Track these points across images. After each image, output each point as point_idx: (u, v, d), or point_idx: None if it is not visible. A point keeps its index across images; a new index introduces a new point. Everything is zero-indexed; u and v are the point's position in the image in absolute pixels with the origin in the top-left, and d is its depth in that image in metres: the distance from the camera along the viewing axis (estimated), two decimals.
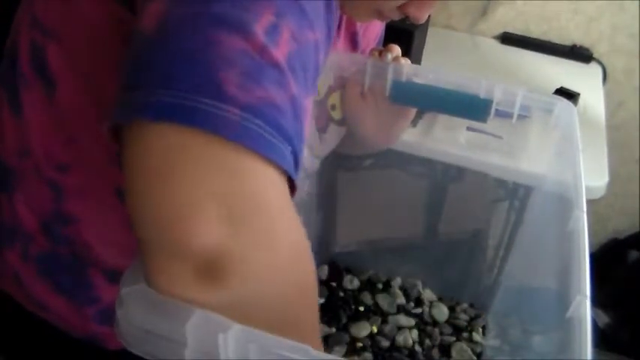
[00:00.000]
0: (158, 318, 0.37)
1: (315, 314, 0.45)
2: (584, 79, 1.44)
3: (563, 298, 0.51)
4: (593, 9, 1.48)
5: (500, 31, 1.57)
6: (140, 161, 0.38)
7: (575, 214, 0.58)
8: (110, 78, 0.53)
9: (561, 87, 1.31)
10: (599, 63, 1.52)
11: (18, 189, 0.62)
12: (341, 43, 0.71)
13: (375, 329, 0.95)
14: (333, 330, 0.94)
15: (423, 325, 0.97)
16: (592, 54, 1.51)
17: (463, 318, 0.99)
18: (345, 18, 0.68)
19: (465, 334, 0.96)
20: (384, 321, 0.97)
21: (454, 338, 0.96)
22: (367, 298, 1.00)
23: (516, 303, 0.86)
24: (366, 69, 0.70)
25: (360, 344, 0.93)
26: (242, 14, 0.40)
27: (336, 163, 1.00)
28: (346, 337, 0.93)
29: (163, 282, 0.37)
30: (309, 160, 0.77)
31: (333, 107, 0.75)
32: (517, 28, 1.56)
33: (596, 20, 1.49)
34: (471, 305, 1.02)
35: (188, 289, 0.37)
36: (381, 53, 0.71)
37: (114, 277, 0.63)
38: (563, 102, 0.71)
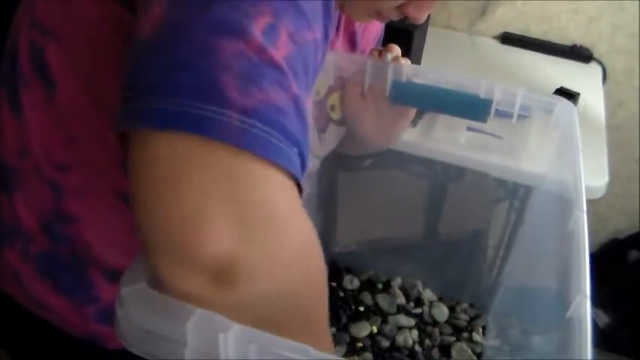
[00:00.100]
0: (158, 318, 0.37)
1: (325, 309, 0.45)
2: (584, 79, 1.44)
3: (563, 298, 0.51)
4: (593, 9, 1.48)
5: (500, 31, 1.57)
6: (147, 170, 0.38)
7: (575, 214, 0.58)
8: (110, 78, 0.53)
9: (561, 87, 1.31)
10: (599, 63, 1.52)
11: (18, 189, 0.62)
12: (340, 43, 0.71)
13: (375, 329, 0.95)
14: (333, 330, 0.94)
15: (423, 325, 0.97)
16: (592, 54, 1.51)
17: (463, 318, 0.99)
18: (343, 18, 0.68)
19: (465, 334, 0.96)
20: (384, 321, 0.97)
21: (454, 338, 0.96)
22: (367, 298, 1.00)
23: (516, 303, 0.86)
24: (365, 69, 0.70)
25: (360, 344, 0.93)
26: (240, 18, 0.40)
27: (336, 163, 1.00)
28: (346, 337, 0.93)
29: (176, 289, 0.38)
30: (310, 161, 0.76)
31: (333, 108, 0.75)
32: (517, 28, 1.56)
33: (596, 20, 1.49)
34: (471, 305, 1.02)
35: (201, 295, 0.37)
36: (380, 53, 0.71)
37: (114, 276, 0.63)
38: (563, 102, 0.71)
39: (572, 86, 1.31)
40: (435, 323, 0.98)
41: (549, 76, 1.39)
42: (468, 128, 1.07)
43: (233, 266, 0.37)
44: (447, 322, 0.99)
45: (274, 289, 0.39)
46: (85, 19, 0.52)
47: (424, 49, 1.28)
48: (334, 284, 1.02)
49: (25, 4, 0.58)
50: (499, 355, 0.90)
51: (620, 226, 1.75)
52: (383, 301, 0.99)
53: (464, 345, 0.94)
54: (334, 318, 0.96)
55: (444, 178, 1.15)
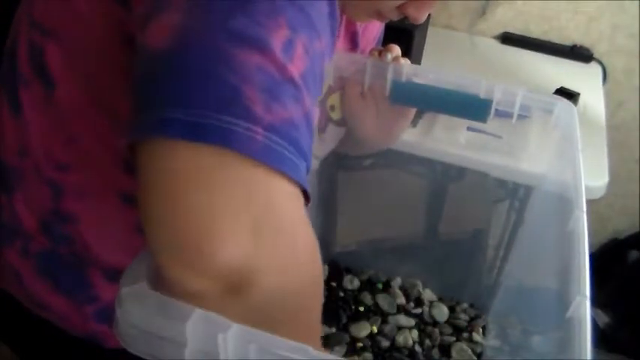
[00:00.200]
0: (158, 318, 0.37)
1: (320, 305, 0.47)
2: (584, 79, 1.43)
3: (563, 298, 0.51)
4: (593, 9, 1.48)
5: (500, 31, 1.57)
6: (165, 178, 0.39)
7: (575, 214, 0.58)
8: (110, 78, 0.53)
9: (561, 87, 1.31)
10: (599, 63, 1.51)
11: (18, 189, 0.62)
12: (340, 43, 0.71)
13: (375, 329, 0.95)
14: (333, 330, 0.94)
15: (423, 325, 0.97)
16: (592, 54, 1.51)
17: (463, 318, 0.99)
18: (344, 18, 0.68)
19: (465, 334, 0.96)
20: (384, 321, 0.96)
21: (454, 338, 0.95)
22: (367, 298, 1.00)
23: (516, 303, 0.86)
24: (365, 69, 0.70)
25: (360, 344, 0.93)
26: (259, 30, 0.40)
27: (336, 163, 1.00)
28: (346, 337, 0.93)
29: (186, 293, 0.38)
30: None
31: (332, 108, 0.75)
32: (517, 28, 1.55)
33: (596, 20, 1.49)
34: (471, 305, 1.02)
35: (211, 300, 0.38)
36: (380, 53, 0.71)
37: (113, 276, 0.63)
38: (563, 102, 0.71)
39: (572, 86, 1.31)
40: (435, 323, 0.98)
41: (549, 76, 1.39)
42: (468, 128, 1.07)
43: (244, 274, 0.38)
44: (447, 322, 0.99)
45: (281, 293, 0.40)
46: (85, 19, 0.52)
47: (424, 49, 1.28)
48: (334, 284, 1.02)
49: (25, 4, 0.58)
50: (499, 355, 0.90)
51: (620, 226, 1.75)
52: (383, 301, 0.99)
53: (464, 345, 0.94)
54: (334, 318, 0.96)
55: (444, 178, 1.15)
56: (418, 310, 0.99)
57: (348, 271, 1.05)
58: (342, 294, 1.01)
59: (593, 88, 1.41)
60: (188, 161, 0.38)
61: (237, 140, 0.38)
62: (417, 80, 0.70)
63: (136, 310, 0.38)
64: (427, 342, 0.94)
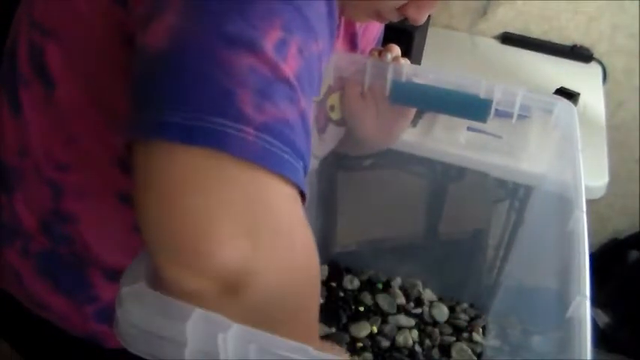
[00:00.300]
0: (158, 318, 0.37)
1: (317, 304, 0.47)
2: (584, 79, 1.43)
3: (563, 298, 0.51)
4: (593, 9, 1.48)
5: (500, 31, 1.57)
6: (160, 179, 0.39)
7: (575, 214, 0.58)
8: (110, 78, 0.53)
9: (561, 87, 1.31)
10: (599, 63, 1.51)
11: (18, 188, 0.62)
12: (340, 43, 0.71)
13: (375, 329, 0.95)
14: (333, 330, 0.94)
15: (423, 325, 0.97)
16: (592, 54, 1.51)
17: (463, 318, 0.99)
18: (344, 18, 0.68)
19: (465, 334, 0.96)
20: (384, 321, 0.96)
21: (454, 338, 0.95)
22: (367, 298, 1.00)
23: (516, 303, 0.86)
24: (365, 69, 0.70)
25: (360, 344, 0.93)
26: (252, 31, 0.40)
27: (336, 163, 1.00)
28: (346, 337, 0.93)
29: (183, 293, 0.38)
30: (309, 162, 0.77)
31: (332, 108, 0.75)
32: (517, 28, 1.55)
33: (596, 20, 1.49)
34: (471, 305, 1.02)
35: (209, 301, 0.38)
36: (380, 53, 0.71)
37: (113, 276, 0.63)
38: (563, 102, 0.71)
39: (572, 86, 1.31)
40: (435, 323, 0.98)
41: (549, 76, 1.39)
42: (468, 128, 1.07)
43: (242, 275, 0.38)
44: (447, 322, 0.98)
45: (278, 293, 0.40)
46: (85, 19, 0.52)
47: (424, 49, 1.28)
48: (334, 284, 1.02)
49: (24, 4, 0.58)
50: (499, 355, 0.90)
51: (620, 226, 1.75)
52: (383, 301, 0.99)
53: (464, 345, 0.94)
54: (334, 318, 0.96)
55: (444, 178, 1.15)
56: (418, 310, 0.99)
57: (348, 271, 1.05)
58: (342, 294, 1.01)
59: (593, 88, 1.41)
60: (184, 164, 0.39)
61: (230, 142, 0.38)
62: (417, 80, 0.70)
63: (136, 309, 0.38)
64: (427, 342, 0.94)
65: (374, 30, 0.79)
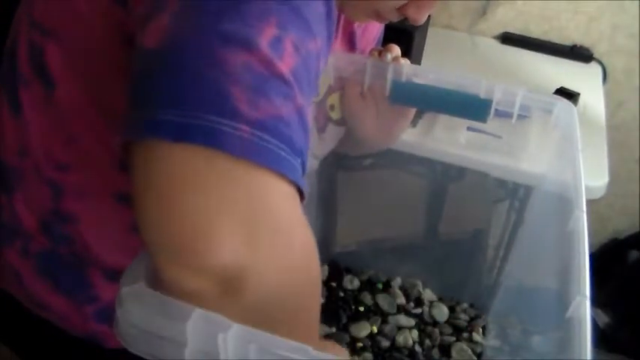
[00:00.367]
0: (158, 318, 0.37)
1: (318, 304, 0.47)
2: (584, 79, 1.44)
3: (563, 298, 0.51)
4: (593, 9, 1.48)
5: (500, 31, 1.57)
6: (156, 179, 0.39)
7: (575, 214, 0.58)
8: (110, 78, 0.53)
9: (561, 87, 1.31)
10: (599, 63, 1.51)
11: (18, 188, 0.62)
12: (338, 43, 0.71)
13: (375, 329, 0.95)
14: (333, 330, 0.94)
15: (423, 325, 0.97)
16: (592, 54, 1.51)
17: (463, 318, 0.99)
18: (342, 18, 0.68)
19: (465, 334, 0.96)
20: (384, 321, 0.96)
21: (454, 338, 0.95)
22: (367, 298, 1.00)
23: (516, 303, 0.86)
24: (365, 69, 0.70)
25: (360, 344, 0.93)
26: (247, 29, 0.40)
27: (336, 163, 1.00)
28: (346, 337, 0.93)
29: (182, 292, 0.38)
30: (309, 161, 0.77)
31: (332, 108, 0.75)
32: (517, 28, 1.55)
33: (596, 20, 1.49)
34: (471, 305, 1.02)
35: (207, 300, 0.38)
36: (380, 53, 0.71)
37: (113, 276, 0.63)
38: (563, 102, 0.71)
39: (572, 86, 1.31)
40: (435, 323, 0.98)
41: (549, 76, 1.39)
42: (468, 128, 1.07)
43: (241, 274, 0.38)
44: (447, 322, 0.99)
45: (278, 292, 0.40)
46: (85, 19, 0.52)
47: (424, 49, 1.28)
48: (334, 284, 1.02)
49: (24, 4, 0.58)
50: (499, 355, 0.90)
51: (620, 226, 1.75)
52: (383, 301, 0.99)
53: (464, 345, 0.94)
54: (334, 318, 0.96)
55: (444, 178, 1.15)
56: (418, 310, 0.99)
57: (348, 271, 1.05)
58: (342, 294, 1.01)
59: (593, 88, 1.41)
60: (181, 163, 0.38)
61: (226, 140, 0.38)
62: (417, 80, 0.70)
63: (136, 309, 0.38)
64: (427, 342, 0.94)
65: (373, 30, 0.79)
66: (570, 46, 1.52)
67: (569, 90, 1.29)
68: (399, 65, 0.70)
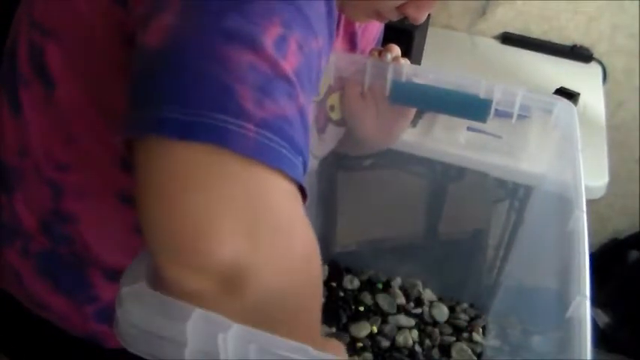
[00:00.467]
0: (158, 318, 0.37)
1: (320, 305, 0.47)
2: (584, 79, 1.44)
3: (563, 298, 0.51)
4: (593, 9, 1.48)
5: (500, 31, 1.57)
6: (159, 176, 0.39)
7: (575, 214, 0.58)
8: (110, 78, 0.53)
9: (561, 87, 1.31)
10: (599, 63, 1.51)
11: (18, 188, 0.62)
12: (339, 43, 0.71)
13: (375, 329, 0.95)
14: (333, 330, 0.94)
15: (423, 325, 0.97)
16: (592, 54, 1.51)
17: (463, 318, 0.99)
18: (343, 18, 0.68)
19: (465, 334, 0.96)
20: (384, 321, 0.96)
21: (454, 338, 0.95)
22: (367, 298, 1.00)
23: (516, 303, 0.86)
24: (365, 69, 0.70)
25: (360, 344, 0.93)
26: (252, 28, 0.40)
27: (336, 163, 1.00)
28: (346, 337, 0.93)
29: (182, 292, 0.38)
30: (309, 160, 0.77)
31: (332, 108, 0.75)
32: (517, 28, 1.55)
33: (596, 20, 1.49)
34: (471, 305, 1.02)
35: (207, 299, 0.38)
36: (380, 53, 0.71)
37: (113, 276, 0.63)
38: (563, 102, 0.71)
39: (572, 86, 1.31)
40: (435, 323, 0.98)
41: (549, 76, 1.39)
42: (468, 128, 1.07)
43: (241, 272, 0.38)
44: (447, 322, 0.99)
45: (278, 292, 0.40)
46: (85, 19, 0.52)
47: (424, 49, 1.28)
48: (334, 284, 1.02)
49: (24, 5, 0.58)
50: (499, 355, 0.90)
51: (620, 226, 1.75)
52: (383, 301, 0.99)
53: (464, 345, 0.94)
54: (334, 318, 0.96)
55: (444, 178, 1.15)
56: (418, 310, 0.99)
57: (348, 271, 1.05)
58: (342, 294, 1.01)
59: (593, 88, 1.41)
60: (184, 160, 0.38)
61: (231, 138, 0.38)
62: (417, 80, 0.70)
63: (136, 309, 0.38)
64: (427, 342, 0.94)
65: (374, 30, 0.79)
66: (570, 46, 1.52)
67: (569, 90, 1.29)
68: (399, 65, 0.70)
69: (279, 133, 0.40)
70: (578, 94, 1.30)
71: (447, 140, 1.08)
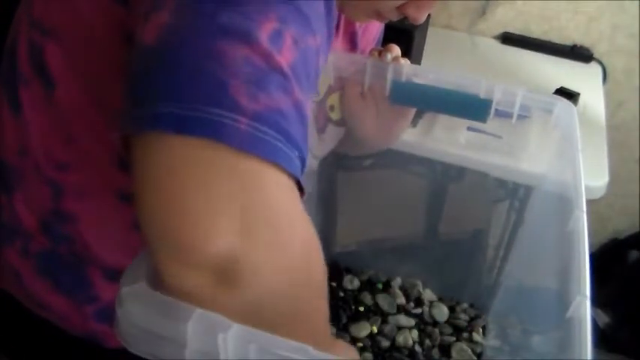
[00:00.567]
0: (158, 318, 0.37)
1: (326, 306, 0.46)
2: (584, 79, 1.44)
3: (563, 298, 0.51)
4: (593, 9, 1.48)
5: (500, 31, 1.57)
6: (155, 172, 0.39)
7: (575, 214, 0.58)
8: (110, 77, 0.53)
9: (561, 87, 1.31)
10: (599, 63, 1.52)
11: (18, 188, 0.62)
12: (339, 43, 0.71)
13: (375, 329, 0.95)
14: (333, 330, 0.94)
15: (423, 325, 0.97)
16: (592, 54, 1.51)
17: (463, 318, 0.99)
18: (343, 18, 0.68)
19: (465, 334, 0.96)
20: (384, 321, 0.96)
21: (454, 338, 0.95)
22: (367, 298, 1.00)
23: (516, 303, 0.86)
24: (365, 69, 0.70)
25: (360, 344, 0.93)
26: (247, 23, 0.40)
27: (336, 163, 1.00)
28: (346, 337, 0.93)
29: (178, 288, 0.38)
30: (309, 160, 0.77)
31: (332, 108, 0.75)
32: (517, 28, 1.56)
33: (596, 20, 1.49)
34: (471, 305, 1.02)
35: (203, 295, 0.38)
36: (380, 53, 0.71)
37: (113, 275, 0.63)
38: (563, 102, 0.71)
39: (572, 86, 1.31)
40: (435, 323, 0.98)
41: (549, 76, 1.39)
42: (468, 128, 1.08)
43: (236, 267, 0.37)
44: (447, 322, 0.98)
45: (277, 289, 0.40)
46: (85, 19, 0.52)
47: (424, 49, 1.28)
48: (334, 284, 1.02)
49: (24, 4, 0.58)
50: (499, 355, 0.90)
51: (620, 226, 1.75)
52: (383, 301, 0.99)
53: (464, 345, 0.94)
54: (334, 318, 0.96)
55: (444, 178, 1.15)
56: (418, 310, 0.99)
57: (348, 271, 1.05)
58: (342, 294, 1.01)
59: (593, 88, 1.41)
60: (180, 155, 0.38)
61: (226, 132, 0.38)
62: (417, 80, 0.70)
63: (137, 309, 0.38)
64: (427, 342, 0.94)
65: (374, 30, 0.79)
66: (570, 46, 1.52)
67: (569, 90, 1.29)
68: (399, 65, 0.70)
69: (274, 126, 0.40)
70: (578, 94, 1.30)
71: (447, 140, 1.08)
